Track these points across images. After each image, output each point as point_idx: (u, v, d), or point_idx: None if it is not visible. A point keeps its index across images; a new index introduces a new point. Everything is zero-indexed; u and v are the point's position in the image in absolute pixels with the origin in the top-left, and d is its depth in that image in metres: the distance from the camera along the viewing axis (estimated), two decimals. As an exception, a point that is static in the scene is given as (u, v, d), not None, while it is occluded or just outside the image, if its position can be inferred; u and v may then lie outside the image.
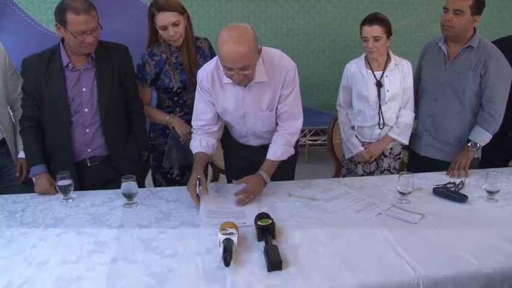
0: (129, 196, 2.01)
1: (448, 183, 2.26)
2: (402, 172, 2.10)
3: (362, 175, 2.72)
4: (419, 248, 1.69)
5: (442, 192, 2.16)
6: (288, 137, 2.22)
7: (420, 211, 1.97)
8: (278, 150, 2.19)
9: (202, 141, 2.22)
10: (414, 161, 2.81)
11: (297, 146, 2.45)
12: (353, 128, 2.73)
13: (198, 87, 2.21)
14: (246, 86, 2.09)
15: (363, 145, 2.70)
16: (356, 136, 2.72)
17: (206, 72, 2.14)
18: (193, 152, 2.23)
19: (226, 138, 2.50)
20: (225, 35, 1.87)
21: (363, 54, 2.63)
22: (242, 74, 1.93)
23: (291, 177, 2.48)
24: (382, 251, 1.67)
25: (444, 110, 2.60)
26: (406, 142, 2.71)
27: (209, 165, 2.93)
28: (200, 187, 2.02)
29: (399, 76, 2.59)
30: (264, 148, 2.26)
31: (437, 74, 2.60)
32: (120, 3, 3.19)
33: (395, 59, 2.59)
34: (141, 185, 2.31)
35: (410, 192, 2.05)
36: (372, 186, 2.27)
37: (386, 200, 2.10)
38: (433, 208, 2.03)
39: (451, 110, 2.58)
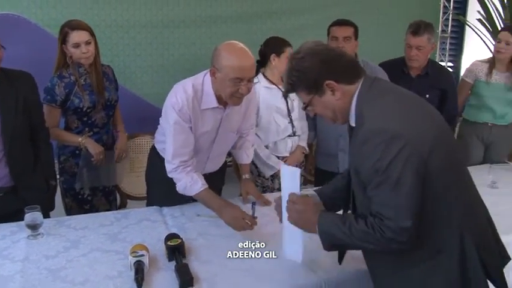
0: (34, 227, 1.95)
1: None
2: (304, 186, 2.27)
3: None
4: (319, 253, 1.77)
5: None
6: (253, 137, 2.52)
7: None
8: (250, 153, 2.48)
9: (197, 179, 2.10)
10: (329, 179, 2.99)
11: (225, 167, 2.57)
12: (266, 146, 2.83)
13: (174, 119, 2.05)
14: (225, 109, 2.14)
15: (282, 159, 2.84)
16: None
17: (186, 99, 2.03)
18: (196, 192, 2.09)
19: (159, 174, 2.25)
20: (231, 49, 1.95)
21: (260, 74, 2.79)
22: (249, 85, 1.98)
23: None
24: (287, 260, 1.79)
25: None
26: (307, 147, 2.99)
27: (116, 191, 2.91)
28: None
29: None
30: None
31: None
32: (21, 31, 3.10)
33: None
34: (47, 215, 2.24)
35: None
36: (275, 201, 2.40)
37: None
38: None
39: None
